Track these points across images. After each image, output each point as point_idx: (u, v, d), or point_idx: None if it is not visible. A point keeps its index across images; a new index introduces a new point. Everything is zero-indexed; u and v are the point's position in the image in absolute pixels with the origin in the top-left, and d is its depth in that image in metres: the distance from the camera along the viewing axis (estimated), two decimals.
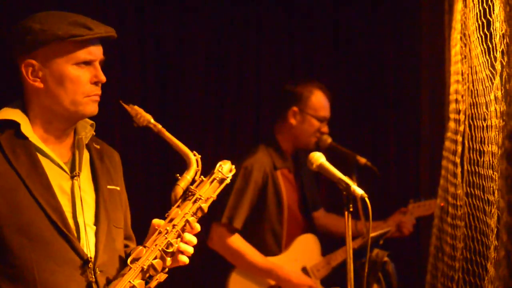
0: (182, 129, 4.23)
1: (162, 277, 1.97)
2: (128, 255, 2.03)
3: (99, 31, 1.98)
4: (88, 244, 1.96)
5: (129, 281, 1.91)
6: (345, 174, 2.70)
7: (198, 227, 2.04)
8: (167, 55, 4.38)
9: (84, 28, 1.96)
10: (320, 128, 3.55)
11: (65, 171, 2.00)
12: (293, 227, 3.55)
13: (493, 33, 2.35)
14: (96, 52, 2.01)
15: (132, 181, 4.09)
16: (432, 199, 3.67)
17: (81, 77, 1.98)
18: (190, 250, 2.02)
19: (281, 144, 3.55)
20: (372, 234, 3.30)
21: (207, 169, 2.12)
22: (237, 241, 3.38)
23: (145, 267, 1.93)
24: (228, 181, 2.12)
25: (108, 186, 2.09)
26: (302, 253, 3.54)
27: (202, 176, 2.08)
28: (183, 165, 2.09)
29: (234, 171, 2.14)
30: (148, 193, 4.27)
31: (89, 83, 2.00)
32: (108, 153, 2.16)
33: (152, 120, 2.07)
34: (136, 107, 2.08)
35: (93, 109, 2.02)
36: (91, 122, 2.09)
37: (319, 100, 3.54)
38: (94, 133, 2.10)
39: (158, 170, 4.32)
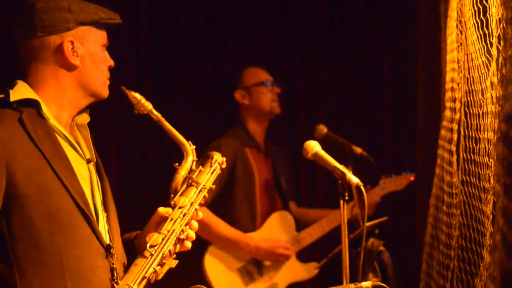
0: (178, 119, 4.22)
1: (173, 263, 1.98)
2: (128, 242, 2.06)
3: (119, 17, 2.07)
4: (105, 230, 1.97)
5: (153, 268, 1.92)
6: (341, 163, 2.69)
7: (201, 215, 2.09)
8: (163, 43, 4.37)
9: (112, 13, 2.04)
10: (271, 90, 3.71)
11: (81, 155, 1.99)
12: (268, 204, 3.63)
13: (489, 19, 2.35)
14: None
15: (126, 169, 4.15)
16: (403, 175, 3.70)
17: (105, 59, 2.04)
18: (194, 236, 2.07)
19: (248, 126, 3.71)
20: (367, 224, 3.29)
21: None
22: (205, 213, 3.40)
23: (165, 253, 1.95)
24: (219, 171, 2.19)
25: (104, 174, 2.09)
26: (277, 229, 3.60)
27: (200, 166, 2.13)
28: (174, 155, 2.13)
29: (225, 164, 2.22)
30: (141, 181, 4.27)
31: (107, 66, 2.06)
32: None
33: (153, 109, 2.11)
34: (137, 94, 2.11)
35: (108, 92, 2.07)
36: (87, 109, 2.08)
37: (251, 71, 3.78)
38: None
39: (153, 157, 4.31)
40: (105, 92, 2.05)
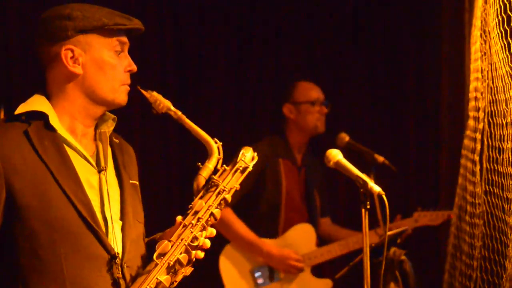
0: (201, 116, 4.24)
1: (188, 270, 1.94)
2: (151, 250, 2.01)
3: (137, 23, 2.00)
4: (115, 239, 1.93)
5: (156, 278, 1.88)
6: (363, 172, 2.68)
7: (218, 217, 1.99)
8: (187, 44, 4.40)
9: (122, 18, 1.98)
10: (319, 111, 3.72)
11: (92, 165, 1.97)
12: (292, 215, 3.65)
13: None
14: (127, 42, 2.02)
15: (151, 172, 4.17)
16: (441, 211, 3.64)
17: (118, 65, 1.98)
18: (209, 245, 1.99)
19: (289, 139, 3.74)
20: (389, 233, 3.27)
21: (226, 157, 2.03)
22: (225, 212, 3.43)
23: (172, 262, 1.89)
24: (250, 169, 2.04)
25: (130, 181, 2.07)
26: (297, 240, 3.62)
27: (224, 165, 2.02)
28: (203, 154, 2.01)
29: (256, 159, 2.07)
30: (167, 184, 4.29)
31: (124, 72, 2.00)
32: (125, 148, 2.14)
33: (171, 107, 2.03)
34: (154, 93, 2.04)
35: (125, 98, 2.02)
36: (113, 116, 2.06)
37: (303, 87, 3.77)
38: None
39: (177, 159, 4.33)
40: (119, 99, 1.99)
